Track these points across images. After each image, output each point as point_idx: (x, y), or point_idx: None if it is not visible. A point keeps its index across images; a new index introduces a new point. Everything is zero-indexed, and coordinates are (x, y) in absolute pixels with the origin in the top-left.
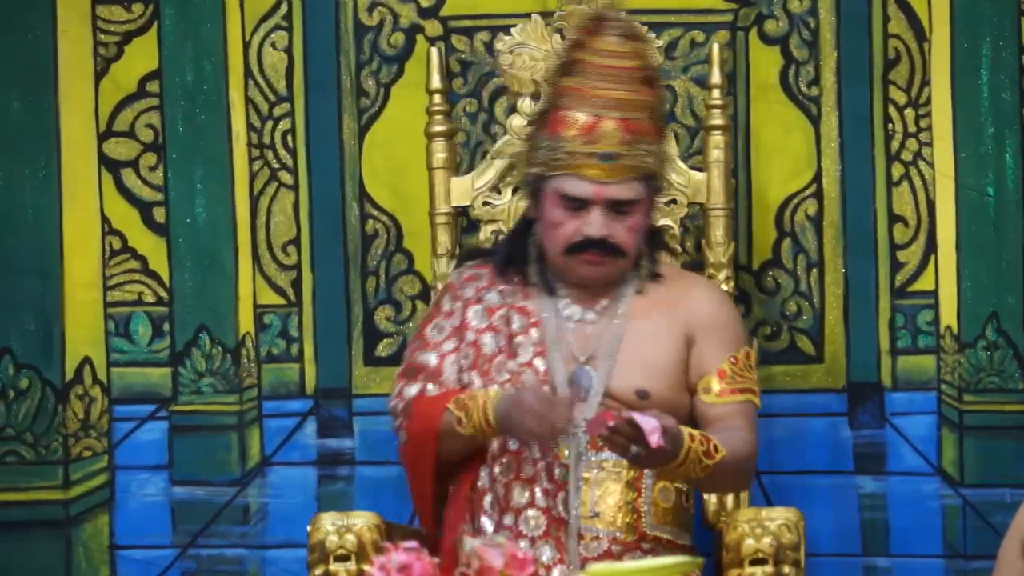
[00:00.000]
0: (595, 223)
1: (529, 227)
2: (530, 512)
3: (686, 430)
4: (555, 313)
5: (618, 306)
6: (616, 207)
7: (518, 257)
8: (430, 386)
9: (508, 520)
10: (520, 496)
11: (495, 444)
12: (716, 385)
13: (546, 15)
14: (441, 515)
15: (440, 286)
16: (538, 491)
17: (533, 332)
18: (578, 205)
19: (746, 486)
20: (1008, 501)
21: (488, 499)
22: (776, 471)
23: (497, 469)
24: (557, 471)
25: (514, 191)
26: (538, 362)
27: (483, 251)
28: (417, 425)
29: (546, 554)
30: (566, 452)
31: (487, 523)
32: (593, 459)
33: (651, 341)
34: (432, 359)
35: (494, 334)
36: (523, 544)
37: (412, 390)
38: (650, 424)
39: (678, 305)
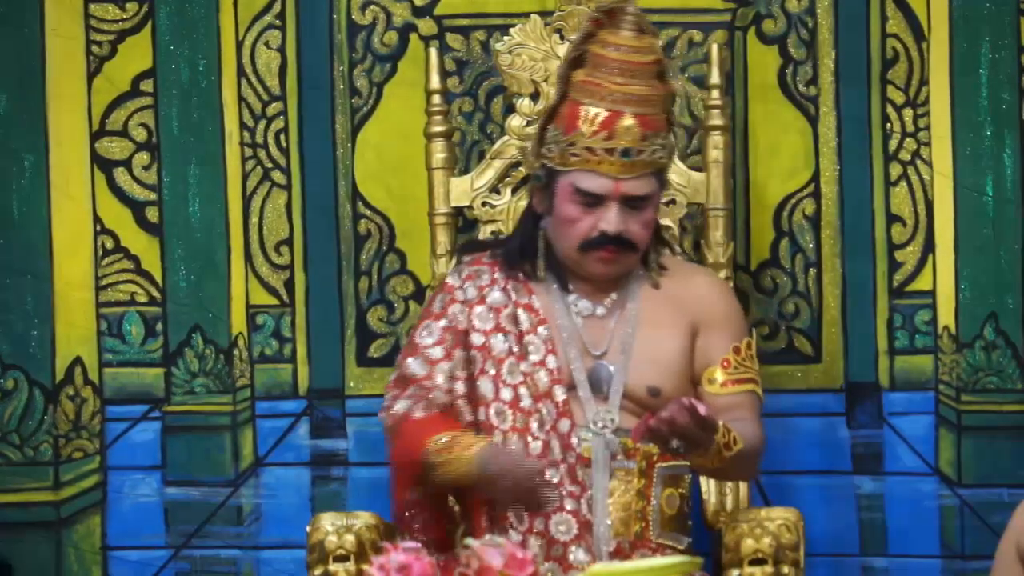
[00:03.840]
0: (612, 219)
1: (537, 221)
2: (559, 517)
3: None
4: (565, 309)
5: (627, 300)
6: (631, 202)
7: (528, 252)
8: (418, 409)
9: (539, 525)
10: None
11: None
12: (720, 375)
13: (545, 15)
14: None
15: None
16: (564, 495)
17: (542, 330)
18: (593, 201)
19: (752, 477)
20: (1006, 501)
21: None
22: (774, 471)
23: None
24: (580, 474)
25: (514, 191)
26: (550, 360)
27: (482, 243)
28: (398, 457)
29: (580, 557)
30: (585, 446)
31: (513, 535)
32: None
33: (661, 336)
34: (420, 369)
35: (504, 335)
36: (557, 549)
37: (400, 407)
38: (691, 401)
39: (683, 297)
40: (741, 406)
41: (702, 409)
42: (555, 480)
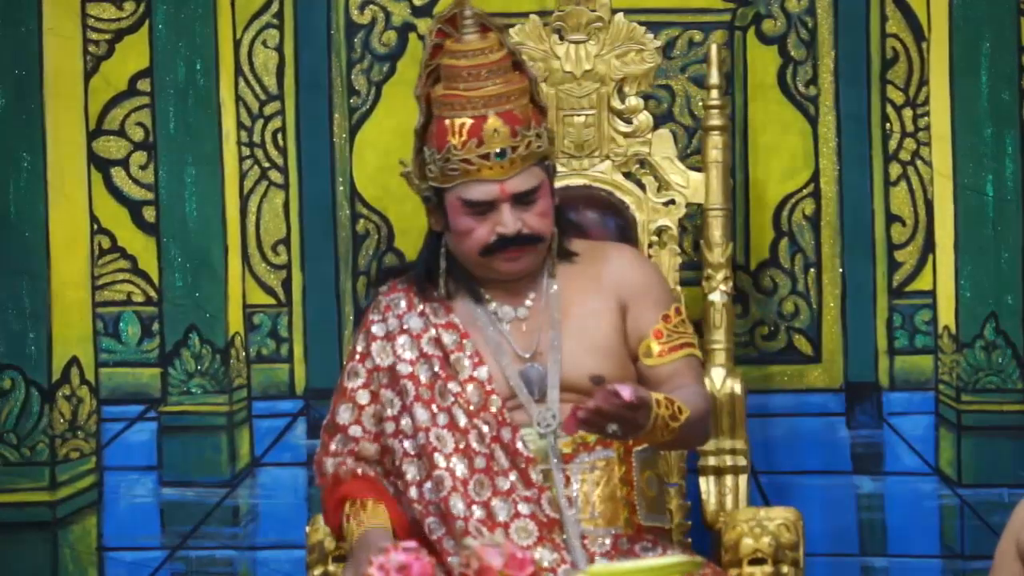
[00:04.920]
0: (507, 222)
1: (438, 239)
2: (517, 523)
3: (652, 395)
4: (487, 318)
5: (546, 296)
6: (521, 199)
7: (433, 272)
8: (344, 468)
9: (500, 536)
10: (502, 510)
11: (461, 469)
12: (656, 346)
13: (544, 15)
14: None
15: None
16: (519, 500)
17: (466, 344)
18: (484, 208)
19: (704, 441)
20: (1006, 501)
21: (473, 523)
22: (773, 471)
23: (472, 492)
24: (534, 476)
25: None
26: (480, 372)
27: (393, 270)
28: (327, 520)
29: (546, 558)
30: (535, 447)
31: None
32: (587, 459)
33: (590, 323)
34: (348, 415)
35: (425, 360)
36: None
37: (329, 465)
38: (614, 387)
39: (602, 277)
40: (681, 373)
41: (626, 393)
42: (506, 488)
